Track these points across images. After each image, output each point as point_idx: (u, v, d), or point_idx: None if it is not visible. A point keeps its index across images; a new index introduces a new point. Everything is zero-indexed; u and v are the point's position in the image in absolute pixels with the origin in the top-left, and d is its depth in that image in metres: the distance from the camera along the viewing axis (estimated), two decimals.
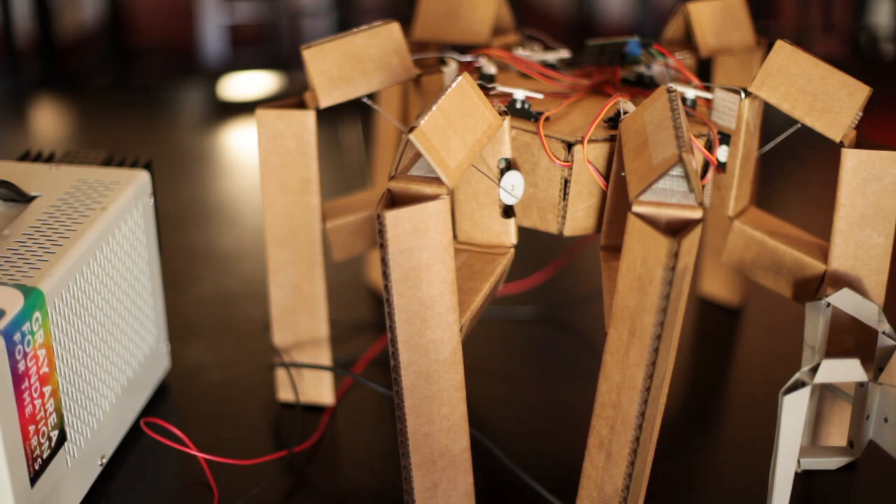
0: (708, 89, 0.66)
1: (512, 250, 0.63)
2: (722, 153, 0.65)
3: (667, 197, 0.52)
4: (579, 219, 0.62)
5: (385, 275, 0.54)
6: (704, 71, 0.75)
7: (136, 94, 1.47)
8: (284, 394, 0.73)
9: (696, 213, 0.51)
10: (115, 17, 1.73)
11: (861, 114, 0.61)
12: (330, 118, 0.73)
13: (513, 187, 0.61)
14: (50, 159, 0.72)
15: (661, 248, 0.49)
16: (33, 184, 0.66)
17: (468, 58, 0.69)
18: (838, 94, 0.61)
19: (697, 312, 0.85)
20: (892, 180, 0.60)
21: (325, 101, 0.65)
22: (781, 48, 0.62)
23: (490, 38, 0.74)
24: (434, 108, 0.55)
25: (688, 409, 0.73)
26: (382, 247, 0.53)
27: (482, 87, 0.65)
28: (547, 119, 0.62)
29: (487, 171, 0.61)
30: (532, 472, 0.65)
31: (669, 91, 0.55)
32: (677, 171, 0.53)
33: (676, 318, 0.53)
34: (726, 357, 0.81)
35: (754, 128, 0.63)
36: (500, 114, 0.59)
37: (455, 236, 0.63)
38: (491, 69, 0.68)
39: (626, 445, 0.54)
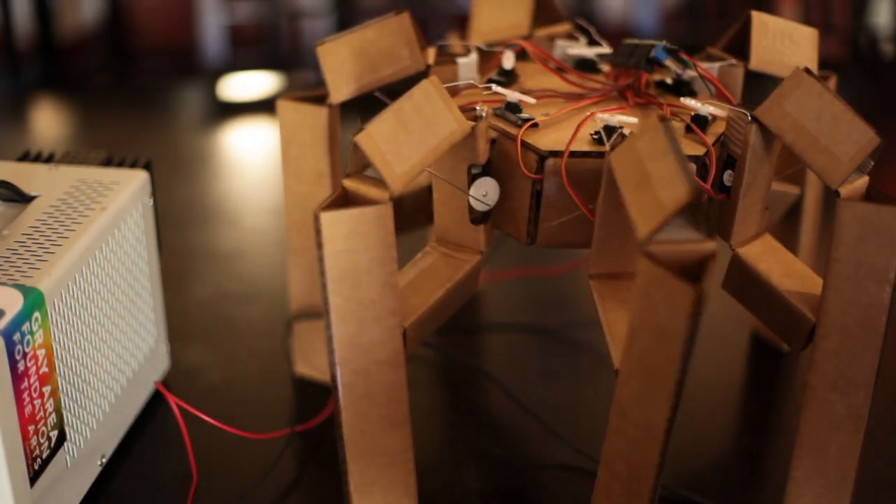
0: (744, 106, 0.61)
1: (479, 256, 0.61)
2: (728, 177, 0.60)
3: (673, 232, 0.49)
4: (555, 233, 0.60)
5: (322, 273, 0.54)
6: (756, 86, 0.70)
7: (136, 95, 1.47)
8: (302, 368, 0.76)
9: (709, 246, 0.48)
10: (115, 18, 1.73)
11: (872, 162, 0.57)
12: (357, 111, 0.73)
13: (485, 194, 0.60)
14: (50, 159, 0.72)
15: (686, 297, 0.46)
16: (33, 184, 0.66)
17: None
18: (846, 139, 0.56)
19: (749, 350, 0.81)
20: (891, 237, 0.55)
21: (337, 97, 0.66)
22: (800, 78, 0.57)
23: (529, 29, 0.73)
24: (388, 110, 0.54)
25: (736, 451, 0.71)
26: (319, 246, 0.53)
27: (492, 81, 0.65)
28: (535, 125, 0.60)
29: (455, 178, 0.59)
30: (533, 473, 0.65)
31: (663, 120, 0.51)
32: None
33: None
34: (779, 398, 0.77)
35: (764, 153, 0.59)
36: (476, 119, 0.58)
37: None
38: (508, 64, 0.67)
39: (650, 481, 0.52)
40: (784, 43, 0.67)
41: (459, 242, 0.62)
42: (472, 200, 0.60)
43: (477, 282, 0.63)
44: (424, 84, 0.56)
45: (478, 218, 0.60)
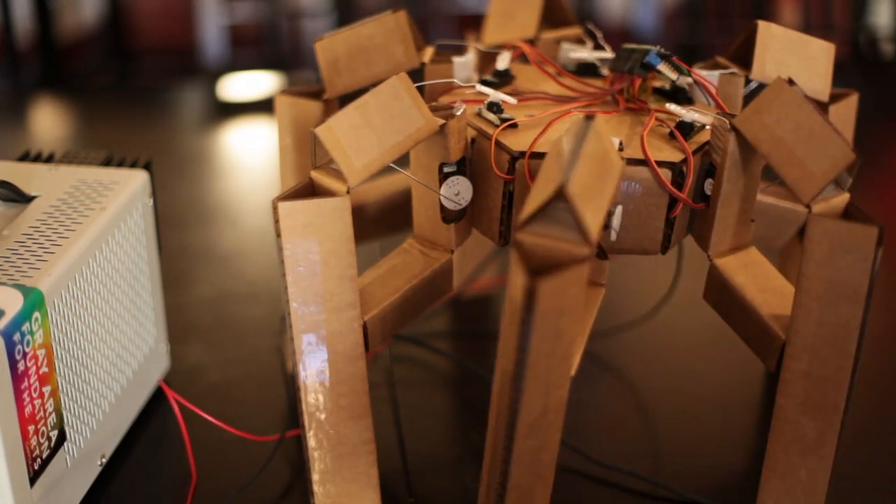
0: (727, 114, 0.59)
1: (449, 255, 0.61)
2: (708, 186, 0.58)
3: (556, 230, 0.47)
4: None
5: (280, 262, 0.55)
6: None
7: (136, 94, 1.47)
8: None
9: (582, 250, 0.46)
10: (115, 18, 1.73)
11: (850, 178, 0.56)
12: None
13: (457, 193, 0.60)
14: (50, 159, 0.72)
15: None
16: (33, 184, 0.66)
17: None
18: (821, 153, 0.54)
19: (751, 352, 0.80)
20: (863, 256, 0.52)
21: (332, 92, 0.66)
22: (780, 88, 0.55)
23: (536, 32, 0.73)
24: (352, 104, 0.55)
25: (736, 451, 0.70)
26: (278, 235, 0.55)
27: (485, 82, 0.65)
28: (514, 126, 0.59)
29: (430, 176, 0.59)
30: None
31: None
32: (564, 204, 0.47)
33: (556, 359, 0.48)
34: None
35: (744, 163, 0.57)
36: (447, 118, 0.57)
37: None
38: (502, 65, 0.67)
39: (497, 477, 0.52)
40: (793, 56, 0.65)
41: (433, 240, 0.62)
42: (443, 199, 0.60)
43: (450, 281, 0.63)
44: (392, 80, 0.56)
45: (450, 217, 0.60)
